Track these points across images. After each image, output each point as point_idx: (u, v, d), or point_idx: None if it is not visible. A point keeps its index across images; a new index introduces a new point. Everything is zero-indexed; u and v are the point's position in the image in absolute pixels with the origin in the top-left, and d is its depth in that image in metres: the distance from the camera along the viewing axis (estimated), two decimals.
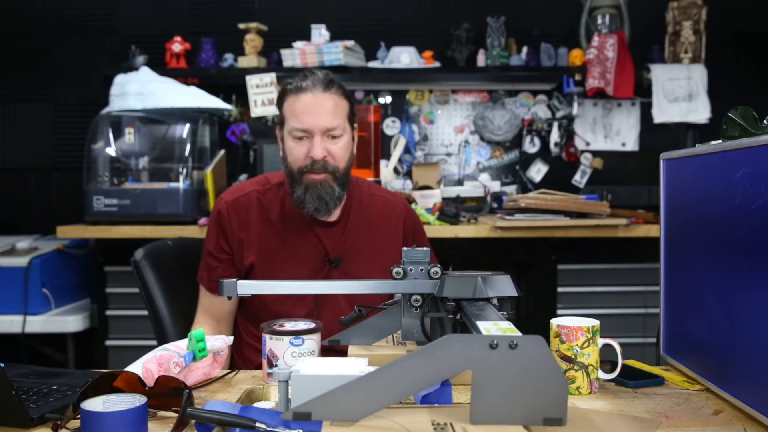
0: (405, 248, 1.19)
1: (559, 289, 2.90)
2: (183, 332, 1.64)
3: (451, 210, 2.87)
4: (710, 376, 1.12)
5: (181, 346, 1.17)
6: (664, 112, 3.26)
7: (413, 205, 2.94)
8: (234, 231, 1.64)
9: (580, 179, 3.52)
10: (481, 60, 3.33)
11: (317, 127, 1.57)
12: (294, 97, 1.60)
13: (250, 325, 1.67)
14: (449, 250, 2.70)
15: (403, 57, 3.29)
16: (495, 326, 0.91)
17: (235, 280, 1.18)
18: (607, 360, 1.15)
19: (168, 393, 0.97)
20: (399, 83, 3.42)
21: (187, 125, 2.94)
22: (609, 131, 3.50)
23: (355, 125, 1.69)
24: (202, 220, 2.80)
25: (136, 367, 1.08)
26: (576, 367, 1.10)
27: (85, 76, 3.46)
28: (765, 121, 1.07)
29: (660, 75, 3.25)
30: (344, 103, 1.62)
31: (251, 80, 3.06)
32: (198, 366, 1.17)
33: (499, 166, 3.58)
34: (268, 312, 1.58)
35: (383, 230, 1.72)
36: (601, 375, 1.14)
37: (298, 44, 3.19)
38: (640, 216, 2.88)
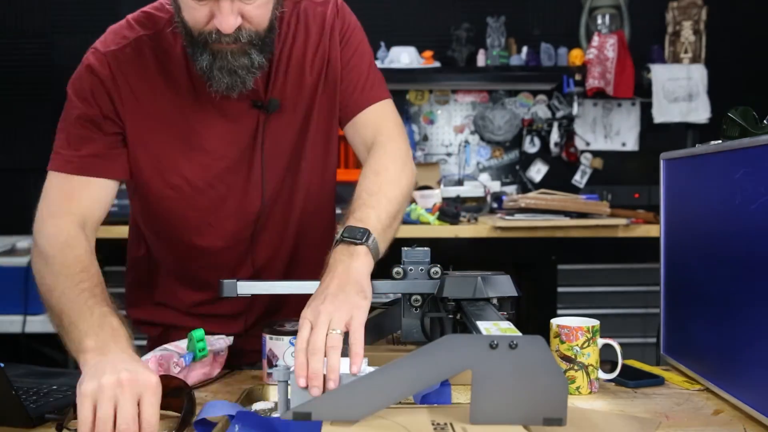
0: (405, 248, 1.18)
1: (559, 289, 2.90)
2: None
3: (451, 210, 2.87)
4: (710, 376, 1.11)
5: (181, 346, 1.16)
6: (664, 112, 3.26)
7: (412, 206, 2.94)
8: (123, 96, 1.17)
9: (580, 179, 3.52)
10: (481, 60, 3.33)
11: None
12: None
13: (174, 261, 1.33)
14: (449, 250, 2.70)
15: (403, 57, 3.29)
16: (495, 326, 0.91)
17: (235, 280, 1.15)
18: (607, 360, 1.15)
19: (168, 393, 0.97)
20: (399, 83, 3.42)
21: None
22: (609, 131, 3.50)
23: None
24: None
25: None
26: (576, 367, 1.10)
27: None
28: (765, 121, 1.07)
29: (660, 75, 3.25)
30: None
31: None
32: (198, 366, 1.17)
33: (499, 166, 3.57)
34: (182, 245, 1.28)
35: (313, 54, 1.26)
36: (601, 375, 1.14)
37: None
38: (640, 216, 2.88)
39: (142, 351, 1.13)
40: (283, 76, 1.24)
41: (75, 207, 1.15)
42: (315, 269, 1.19)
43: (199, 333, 1.16)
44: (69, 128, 1.17)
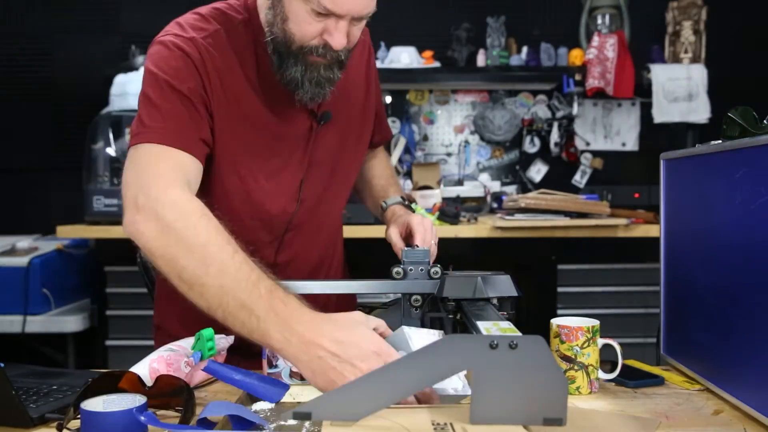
0: (405, 248, 1.18)
1: (559, 289, 2.90)
2: None
3: (451, 210, 2.87)
4: (710, 376, 1.12)
5: (184, 345, 1.16)
6: (664, 112, 3.25)
7: (413, 205, 2.94)
8: (212, 80, 1.18)
9: (580, 179, 3.52)
10: (481, 60, 3.33)
11: (353, 12, 1.11)
12: None
13: None
14: (449, 250, 2.70)
15: (403, 57, 3.29)
16: (495, 326, 0.91)
17: None
18: (607, 360, 1.15)
19: (169, 392, 0.97)
20: (399, 83, 3.42)
21: None
22: (609, 131, 3.50)
23: None
24: None
25: (142, 367, 1.08)
26: (576, 367, 1.10)
27: (85, 76, 3.46)
28: (765, 121, 1.07)
29: (660, 75, 3.24)
30: None
31: None
32: (201, 366, 1.17)
33: (499, 166, 3.57)
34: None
35: (357, 75, 1.38)
36: (601, 375, 1.14)
37: None
38: (640, 216, 2.88)
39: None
40: (337, 91, 1.26)
41: (188, 180, 1.10)
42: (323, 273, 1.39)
43: (209, 332, 1.16)
44: (161, 104, 1.13)
